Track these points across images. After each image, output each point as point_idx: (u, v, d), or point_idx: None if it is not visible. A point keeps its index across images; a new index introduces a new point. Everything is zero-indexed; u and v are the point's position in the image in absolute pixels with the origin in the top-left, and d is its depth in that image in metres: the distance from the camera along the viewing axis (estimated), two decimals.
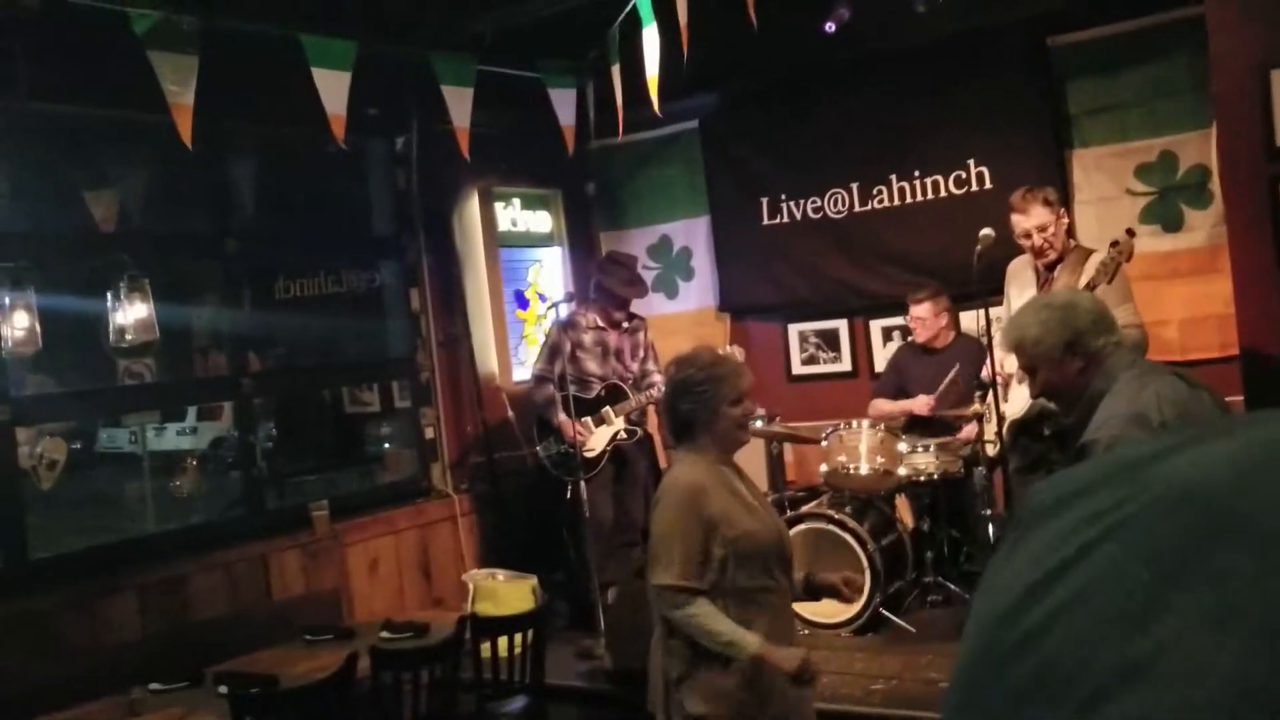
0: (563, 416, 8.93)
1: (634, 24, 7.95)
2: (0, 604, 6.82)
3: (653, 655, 5.14)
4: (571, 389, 8.75)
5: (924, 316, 8.60)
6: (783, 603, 5.01)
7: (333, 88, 7.41)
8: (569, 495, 8.93)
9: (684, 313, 10.89)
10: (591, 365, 9.10)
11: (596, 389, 9.08)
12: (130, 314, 7.18)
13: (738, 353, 7.92)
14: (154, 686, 6.33)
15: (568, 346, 8.85)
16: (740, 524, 4.82)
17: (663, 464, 10.27)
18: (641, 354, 9.33)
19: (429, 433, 9.67)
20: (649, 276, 10.67)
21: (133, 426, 11.58)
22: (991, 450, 7.68)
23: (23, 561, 7.20)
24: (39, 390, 8.51)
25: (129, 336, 7.22)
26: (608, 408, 9.03)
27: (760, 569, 4.86)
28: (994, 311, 7.40)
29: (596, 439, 8.97)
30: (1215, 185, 8.11)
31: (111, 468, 12.16)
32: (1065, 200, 8.20)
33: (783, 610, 5.05)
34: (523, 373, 9.75)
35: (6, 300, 6.80)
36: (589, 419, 8.96)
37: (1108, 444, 4.12)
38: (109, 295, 7.20)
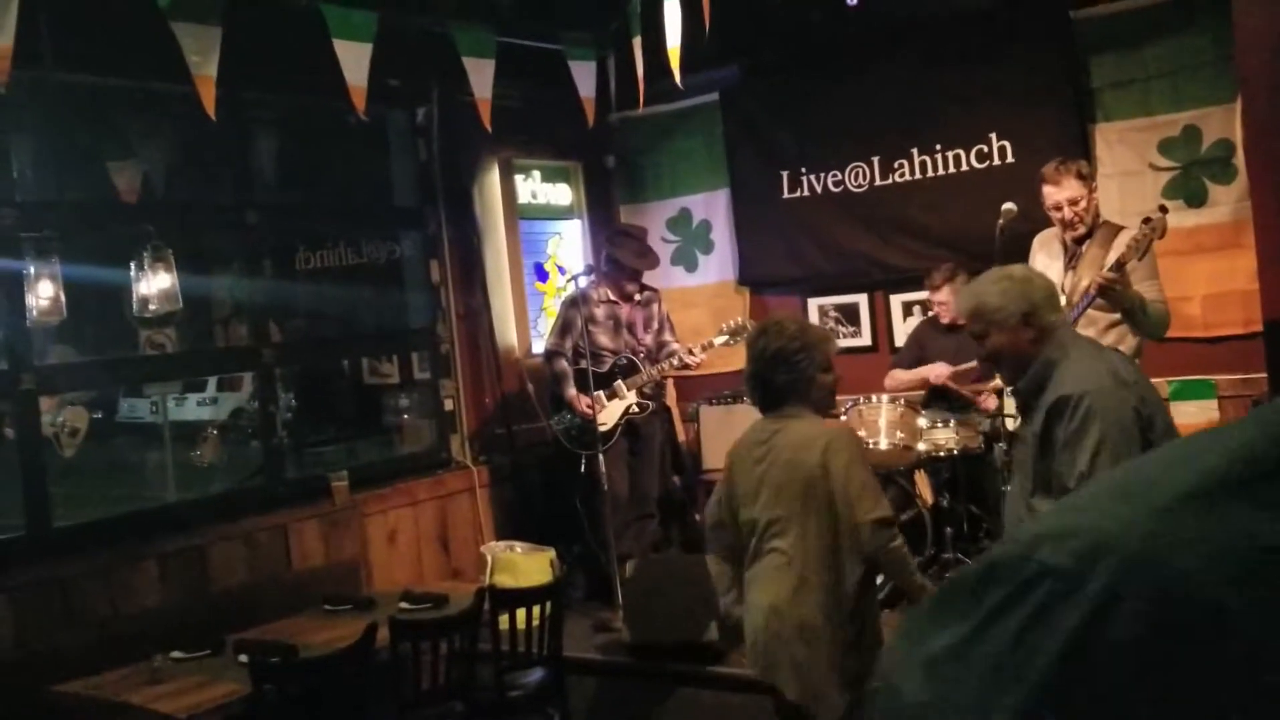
0: (573, 390, 8.95)
1: None
2: (24, 571, 6.85)
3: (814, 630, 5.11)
4: (584, 363, 8.75)
5: (945, 300, 8.56)
6: None
7: (354, 59, 7.39)
8: (583, 468, 8.94)
9: (703, 286, 10.85)
10: (604, 339, 9.09)
11: (609, 362, 9.08)
12: (154, 284, 7.18)
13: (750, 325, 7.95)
14: (175, 654, 6.37)
15: (580, 321, 8.84)
16: (749, 506, 5.14)
17: (681, 436, 10.30)
18: (656, 325, 9.31)
19: (448, 404, 9.69)
20: (668, 250, 10.68)
21: (154, 396, 11.60)
22: (1011, 425, 7.66)
23: (46, 529, 7.22)
24: (62, 360, 8.52)
25: (152, 306, 7.23)
26: (619, 381, 9.03)
27: None
28: None
29: (608, 413, 8.97)
30: (1240, 160, 8.06)
31: (132, 437, 12.20)
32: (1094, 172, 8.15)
33: None
34: (542, 345, 9.72)
35: (31, 270, 6.82)
36: (601, 393, 8.95)
37: (1090, 394, 4.52)
38: (132, 265, 7.21)
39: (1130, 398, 4.58)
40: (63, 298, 6.83)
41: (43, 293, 6.79)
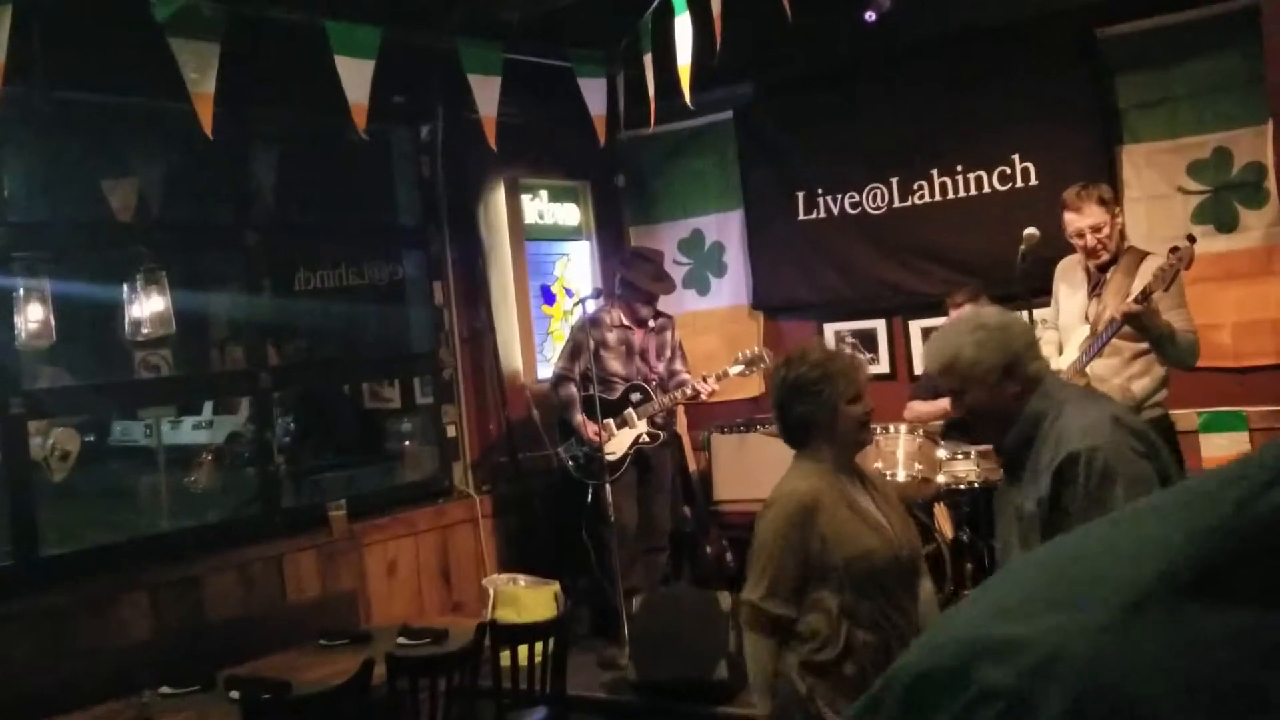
0: (581, 416, 8.75)
1: (667, 12, 7.75)
2: (9, 602, 6.67)
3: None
4: (593, 389, 8.54)
5: None
6: (899, 636, 4.60)
7: (356, 76, 7.28)
8: (590, 499, 8.74)
9: (716, 310, 10.65)
10: (615, 365, 8.89)
11: (620, 389, 8.87)
12: (147, 307, 7.11)
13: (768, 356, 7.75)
14: (164, 690, 6.19)
15: (591, 345, 8.67)
16: (858, 542, 4.58)
17: (692, 466, 10.10)
18: (669, 353, 9.12)
19: (451, 431, 9.47)
20: (680, 272, 10.49)
21: (148, 420, 11.43)
22: None
23: (33, 558, 7.03)
24: (53, 382, 8.37)
25: (145, 330, 7.17)
26: (630, 410, 8.83)
27: (878, 593, 4.60)
28: (1039, 313, 7.18)
29: (618, 442, 8.76)
30: (1271, 184, 7.90)
31: (126, 461, 12.04)
32: (1118, 198, 7.96)
33: (899, 644, 4.58)
34: (548, 370, 9.54)
35: (20, 292, 6.68)
36: (610, 421, 8.74)
37: (1102, 450, 3.99)
38: (125, 287, 7.10)
39: (1140, 446, 4.09)
40: (52, 320, 6.73)
41: (32, 315, 6.70)
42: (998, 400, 4.22)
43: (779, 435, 5.03)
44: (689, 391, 8.82)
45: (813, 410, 4.71)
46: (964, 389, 4.28)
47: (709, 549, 9.72)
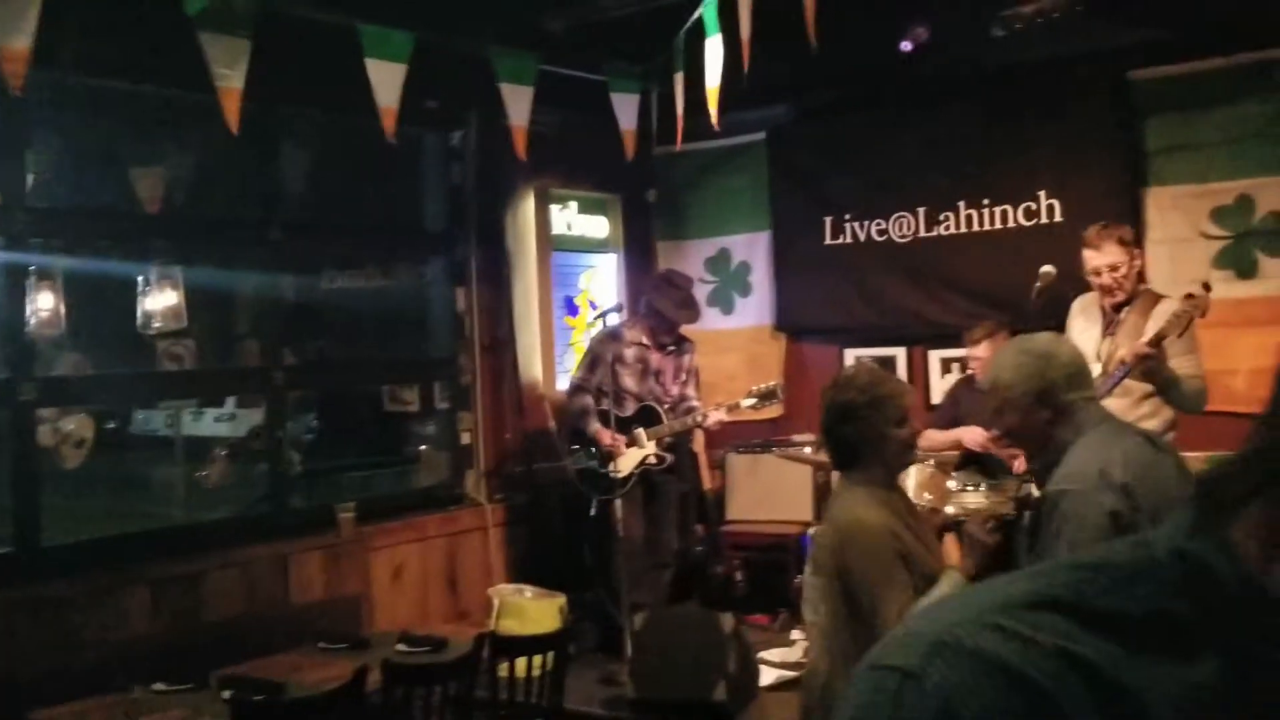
0: (597, 425, 8.73)
1: (701, 32, 7.73)
2: (8, 591, 6.68)
3: None
4: (605, 403, 8.53)
5: (982, 356, 8.33)
6: None
7: (387, 80, 7.28)
8: (594, 512, 8.73)
9: (740, 329, 10.65)
10: (629, 382, 8.87)
11: (631, 408, 8.84)
12: (160, 300, 7.10)
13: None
14: (157, 686, 6.12)
15: (609, 358, 8.64)
16: (924, 564, 4.59)
17: (707, 484, 10.07)
18: (684, 377, 9.07)
19: (465, 438, 9.47)
20: (705, 290, 10.47)
21: (169, 409, 11.44)
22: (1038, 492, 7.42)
23: (35, 548, 7.04)
24: (72, 369, 8.38)
25: (156, 323, 7.16)
26: (640, 429, 8.79)
27: None
28: None
29: (625, 460, 8.72)
30: None
31: (145, 451, 12.04)
32: (1138, 239, 7.93)
33: None
34: (567, 381, 9.51)
35: (32, 279, 6.69)
36: (622, 437, 8.71)
37: (1068, 496, 4.14)
38: (139, 280, 7.11)
39: (1109, 501, 4.10)
40: (63, 309, 6.73)
41: (43, 304, 6.69)
42: (1029, 425, 4.35)
43: (827, 459, 5.07)
44: (697, 419, 8.79)
45: (860, 433, 4.73)
46: (1001, 409, 4.43)
47: (719, 569, 9.70)
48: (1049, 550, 4.17)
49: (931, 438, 8.52)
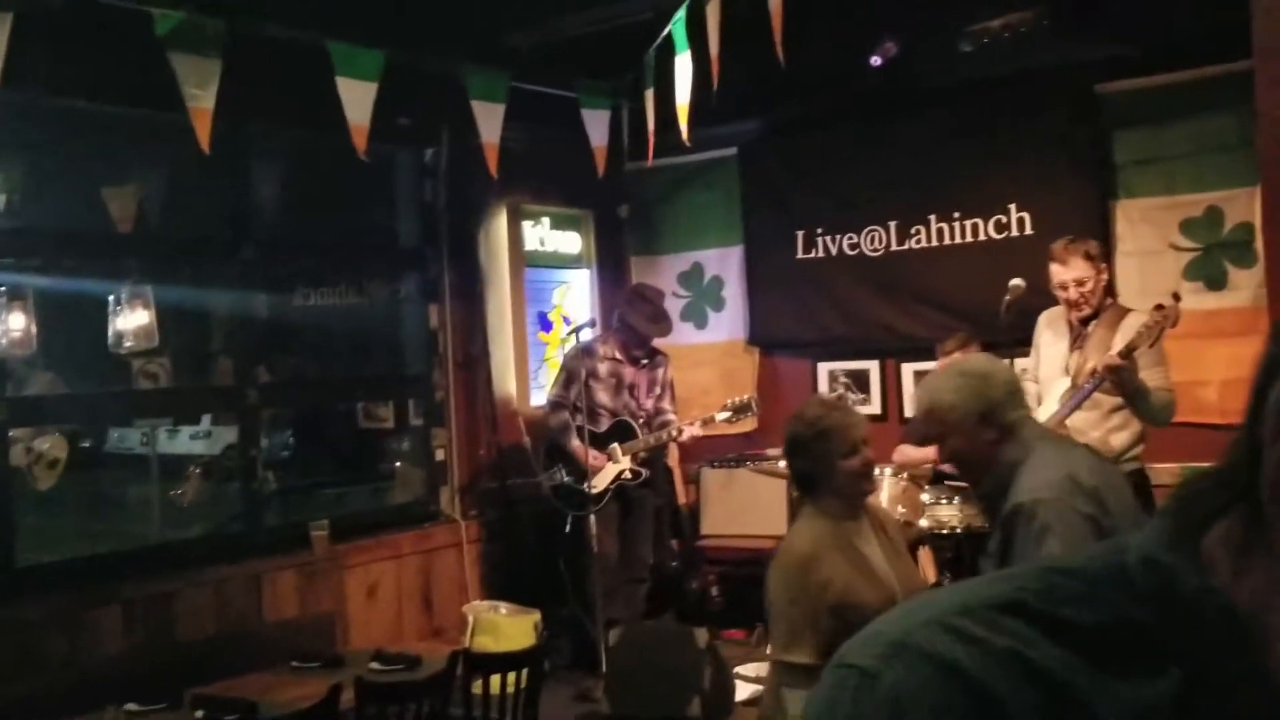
0: (577, 442, 8.72)
1: (671, 48, 7.76)
2: None
3: None
4: (579, 419, 8.55)
5: None
6: None
7: (358, 98, 7.30)
8: (569, 528, 8.74)
9: (713, 344, 10.65)
10: (603, 397, 8.88)
11: (606, 423, 8.85)
12: (131, 320, 7.08)
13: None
14: (130, 707, 6.10)
15: (583, 373, 8.66)
16: (854, 594, 4.58)
17: (681, 498, 10.08)
18: (659, 391, 9.09)
19: (440, 454, 9.44)
20: (678, 305, 10.48)
21: (144, 427, 11.42)
22: None
23: (8, 569, 7.02)
24: (46, 389, 8.38)
25: (127, 343, 7.15)
26: (615, 444, 8.80)
27: None
28: (1020, 362, 7.22)
29: (601, 475, 8.74)
30: (1260, 245, 7.87)
31: (121, 469, 12.01)
32: (1107, 253, 7.96)
33: None
34: (542, 397, 9.53)
35: (3, 300, 6.69)
36: (602, 455, 8.73)
37: (1045, 504, 4.01)
38: (110, 300, 7.11)
39: (1086, 507, 4.06)
40: (34, 329, 6.70)
41: (14, 324, 6.68)
42: (975, 447, 4.28)
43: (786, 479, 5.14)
44: (673, 433, 8.81)
45: (810, 465, 4.79)
46: (944, 434, 4.36)
47: (695, 584, 9.70)
48: (1029, 561, 4.04)
49: (906, 453, 8.53)
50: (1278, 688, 0.97)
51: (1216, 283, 8.25)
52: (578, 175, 9.39)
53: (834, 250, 9.87)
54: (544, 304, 10.33)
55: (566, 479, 8.80)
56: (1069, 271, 6.79)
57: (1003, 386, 4.34)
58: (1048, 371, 7.00)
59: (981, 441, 4.26)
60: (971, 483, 4.65)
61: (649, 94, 8.22)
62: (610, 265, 10.87)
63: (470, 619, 8.27)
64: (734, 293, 10.55)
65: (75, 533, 9.39)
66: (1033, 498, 4.05)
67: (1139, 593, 1.03)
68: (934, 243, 9.39)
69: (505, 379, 9.79)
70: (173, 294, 7.82)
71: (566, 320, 10.26)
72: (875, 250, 9.65)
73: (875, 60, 8.72)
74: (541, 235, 10.32)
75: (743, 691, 7.90)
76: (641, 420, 8.92)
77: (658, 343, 9.14)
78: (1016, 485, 4.16)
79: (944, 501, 8.03)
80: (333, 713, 5.65)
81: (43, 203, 8.02)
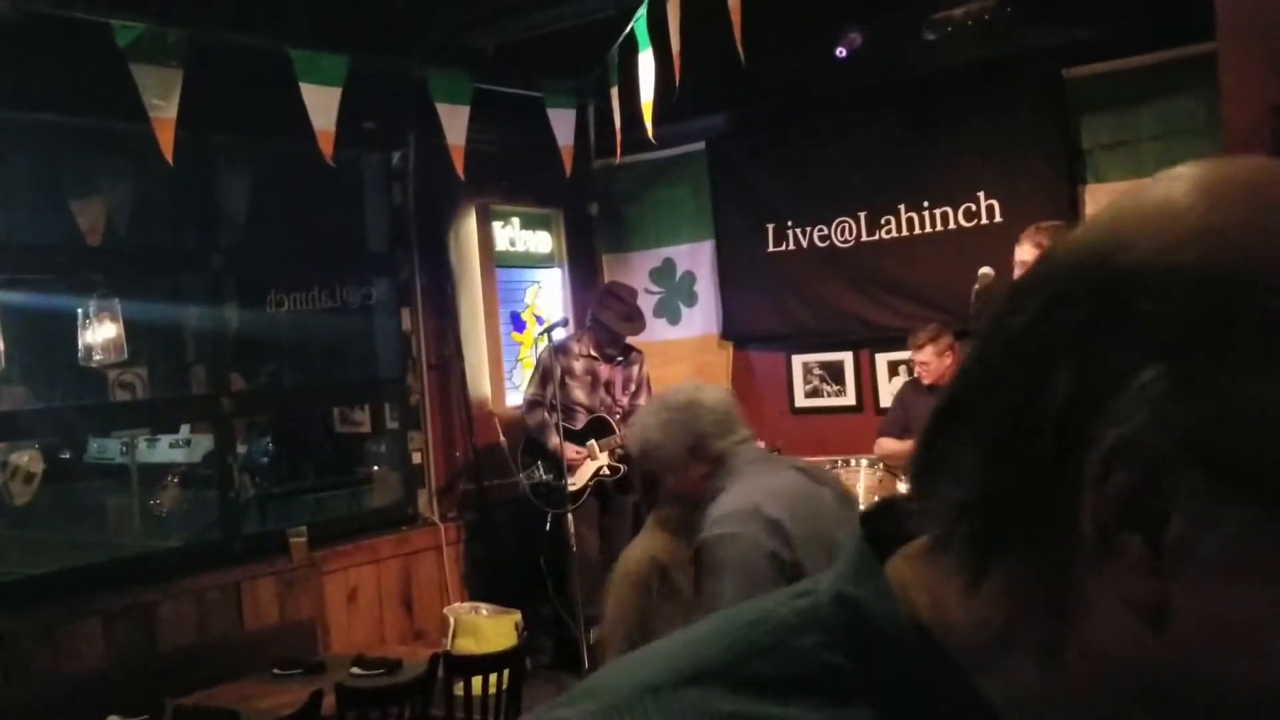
0: (557, 439, 8.72)
1: (634, 46, 7.77)
2: None
3: None
4: (555, 417, 8.56)
5: (927, 360, 8.36)
6: None
7: (322, 103, 7.30)
8: (549, 526, 8.73)
9: (686, 339, 10.63)
10: (579, 394, 8.89)
11: (583, 420, 8.86)
12: (99, 333, 7.07)
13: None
14: (112, 718, 6.15)
15: (558, 371, 8.66)
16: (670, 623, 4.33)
17: None
18: (634, 387, 9.11)
19: (416, 458, 9.44)
20: (651, 301, 10.47)
21: (123, 437, 11.37)
22: None
23: None
24: (14, 404, 8.36)
25: (97, 356, 7.14)
26: (593, 441, 8.81)
27: None
28: None
29: (580, 472, 8.75)
30: None
31: (99, 480, 11.95)
32: None
33: None
34: (517, 397, 9.53)
35: None
36: (583, 450, 8.73)
37: (723, 541, 3.77)
38: (79, 313, 7.10)
39: (770, 541, 3.77)
40: (2, 345, 6.68)
41: None
42: (687, 483, 4.07)
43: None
44: None
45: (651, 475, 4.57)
46: (660, 473, 4.15)
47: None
48: (714, 606, 3.44)
49: (886, 447, 8.55)
50: (986, 709, 0.89)
51: None
52: (546, 174, 9.39)
53: (804, 242, 9.86)
54: (516, 304, 10.32)
55: (545, 477, 8.80)
56: (1024, 253, 6.78)
57: (708, 415, 4.12)
58: None
59: (694, 477, 4.05)
60: (696, 524, 4.13)
61: (614, 92, 8.25)
62: (582, 263, 10.86)
63: (451, 621, 8.26)
64: (706, 288, 10.55)
65: (54, 544, 9.35)
66: (715, 533, 3.83)
67: (830, 632, 0.93)
68: (904, 232, 9.38)
69: (480, 380, 9.78)
70: (144, 305, 7.78)
71: (539, 320, 10.24)
72: (845, 241, 9.65)
73: (840, 51, 8.74)
74: (512, 235, 10.31)
75: None
76: (618, 416, 8.92)
77: (632, 339, 9.15)
78: (707, 517, 3.92)
79: None
80: (315, 719, 5.66)
81: (9, 217, 7.99)
